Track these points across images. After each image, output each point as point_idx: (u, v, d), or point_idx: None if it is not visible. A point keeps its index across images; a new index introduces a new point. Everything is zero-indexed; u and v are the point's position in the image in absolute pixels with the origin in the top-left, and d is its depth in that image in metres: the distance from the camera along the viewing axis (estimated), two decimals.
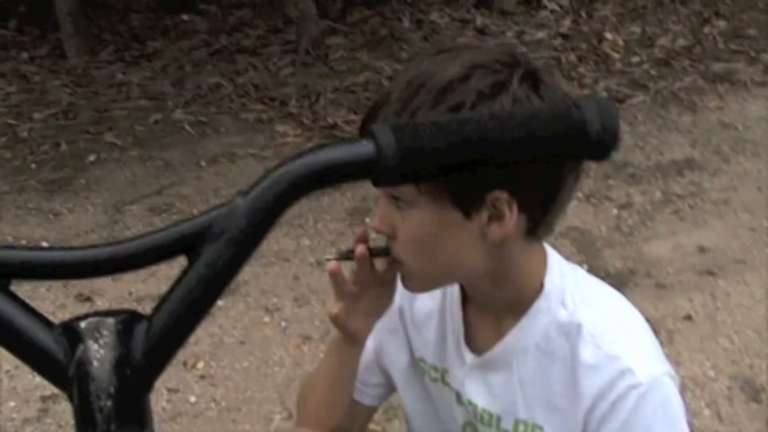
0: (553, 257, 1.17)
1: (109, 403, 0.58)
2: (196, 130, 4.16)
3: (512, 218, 1.01)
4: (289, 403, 2.34)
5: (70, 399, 0.60)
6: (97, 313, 0.61)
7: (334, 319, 1.19)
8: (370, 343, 1.37)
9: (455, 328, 1.23)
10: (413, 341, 1.31)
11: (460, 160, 0.64)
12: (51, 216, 3.52)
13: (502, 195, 0.99)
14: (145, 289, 2.89)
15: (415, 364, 1.31)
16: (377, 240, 1.11)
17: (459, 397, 1.24)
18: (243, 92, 4.48)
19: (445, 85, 0.99)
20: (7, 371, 2.57)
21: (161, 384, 2.48)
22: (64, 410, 2.36)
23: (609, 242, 2.96)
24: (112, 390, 0.58)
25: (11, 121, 4.43)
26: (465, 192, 0.99)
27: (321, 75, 4.55)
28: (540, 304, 1.15)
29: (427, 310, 1.28)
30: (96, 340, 0.59)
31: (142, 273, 3.02)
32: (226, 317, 2.73)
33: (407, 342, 1.31)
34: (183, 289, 0.61)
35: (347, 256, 1.12)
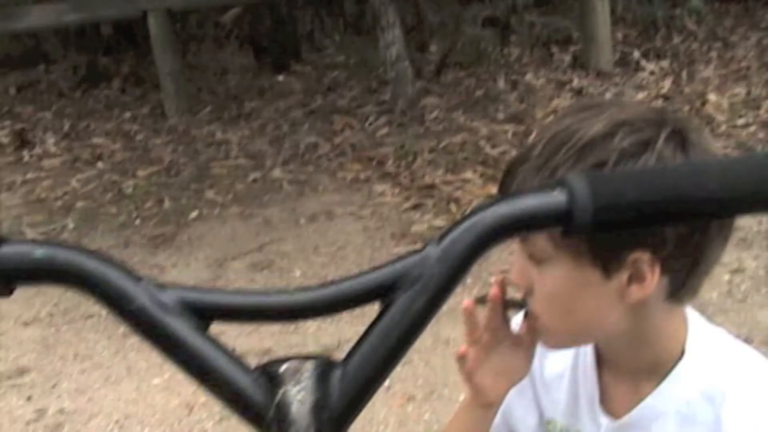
0: (695, 319, 1.14)
1: None
2: (295, 189, 4.22)
3: (653, 280, 0.97)
4: None
5: None
6: (293, 358, 0.61)
7: (461, 363, 1.17)
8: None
9: (589, 389, 1.20)
10: (542, 401, 1.28)
11: (654, 212, 0.63)
12: (156, 270, 3.59)
13: (644, 256, 0.95)
14: (248, 343, 2.92)
15: (544, 425, 1.29)
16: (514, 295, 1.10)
17: None
18: (340, 152, 4.54)
19: (587, 142, 0.98)
20: (117, 420, 2.61)
21: None
22: None
23: (721, 309, 2.88)
24: None
25: (116, 178, 4.56)
26: (606, 251, 0.96)
27: (417, 135, 4.59)
28: (682, 368, 1.12)
29: (558, 369, 1.26)
30: (296, 384, 0.59)
31: (245, 327, 3.05)
32: None
33: (536, 402, 1.29)
34: (376, 335, 0.61)
35: (482, 299, 1.12)
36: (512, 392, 1.30)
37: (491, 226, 0.62)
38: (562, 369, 1.25)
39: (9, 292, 0.62)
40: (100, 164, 4.78)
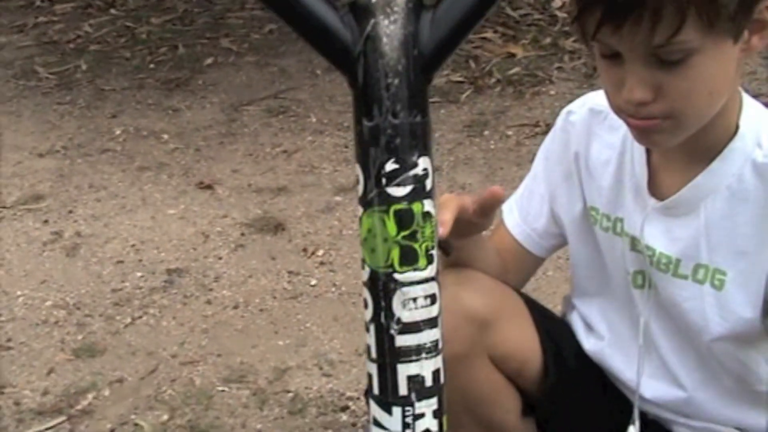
0: (746, 97, 1.14)
1: (396, 81, 0.57)
2: None
3: None
4: None
5: (352, 83, 0.58)
6: None
7: None
8: (543, 189, 1.34)
9: (636, 174, 1.20)
10: (586, 189, 1.28)
11: None
12: (170, 112, 3.56)
13: (765, 3, 0.99)
14: (263, 181, 2.91)
15: (587, 212, 1.28)
16: None
17: (634, 243, 1.21)
18: None
19: None
20: (133, 245, 2.62)
21: (282, 267, 2.50)
22: (188, 283, 2.40)
23: None
24: (400, 68, 0.57)
25: (129, 24, 4.48)
26: (743, 13, 0.98)
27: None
28: (735, 146, 1.11)
29: (603, 157, 1.25)
30: (387, 16, 0.57)
31: (261, 166, 3.04)
32: (344, 212, 2.74)
33: (581, 189, 1.28)
34: None
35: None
36: (559, 179, 1.30)
37: None
38: (608, 156, 1.24)
39: None
40: (113, 11, 4.69)
